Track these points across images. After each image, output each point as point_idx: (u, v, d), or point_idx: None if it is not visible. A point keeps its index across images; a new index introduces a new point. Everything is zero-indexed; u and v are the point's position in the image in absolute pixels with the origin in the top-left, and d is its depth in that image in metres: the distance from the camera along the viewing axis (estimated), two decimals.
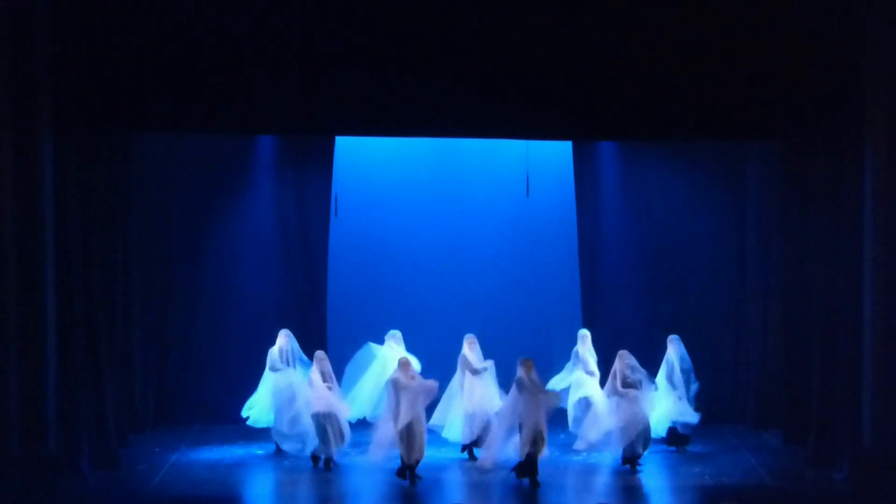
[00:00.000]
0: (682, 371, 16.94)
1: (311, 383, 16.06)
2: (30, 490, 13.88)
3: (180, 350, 18.81)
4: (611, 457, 16.35)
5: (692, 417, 16.90)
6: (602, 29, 14.98)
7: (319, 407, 15.90)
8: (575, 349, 17.16)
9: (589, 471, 16.14)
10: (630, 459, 16.03)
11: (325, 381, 16.05)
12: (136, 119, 15.23)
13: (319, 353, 16.34)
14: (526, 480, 15.22)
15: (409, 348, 17.11)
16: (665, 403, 16.82)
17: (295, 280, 18.86)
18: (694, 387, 17.00)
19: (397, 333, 17.14)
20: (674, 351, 17.04)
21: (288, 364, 16.85)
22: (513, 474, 15.31)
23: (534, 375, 15.37)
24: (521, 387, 15.29)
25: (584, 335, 17.32)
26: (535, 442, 15.23)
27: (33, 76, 14.12)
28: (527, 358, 15.49)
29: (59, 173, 14.67)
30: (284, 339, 16.98)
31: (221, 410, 17.94)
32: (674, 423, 16.98)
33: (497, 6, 14.91)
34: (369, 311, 19.01)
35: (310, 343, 17.55)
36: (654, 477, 15.90)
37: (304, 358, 16.83)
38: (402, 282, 19.56)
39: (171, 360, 18.79)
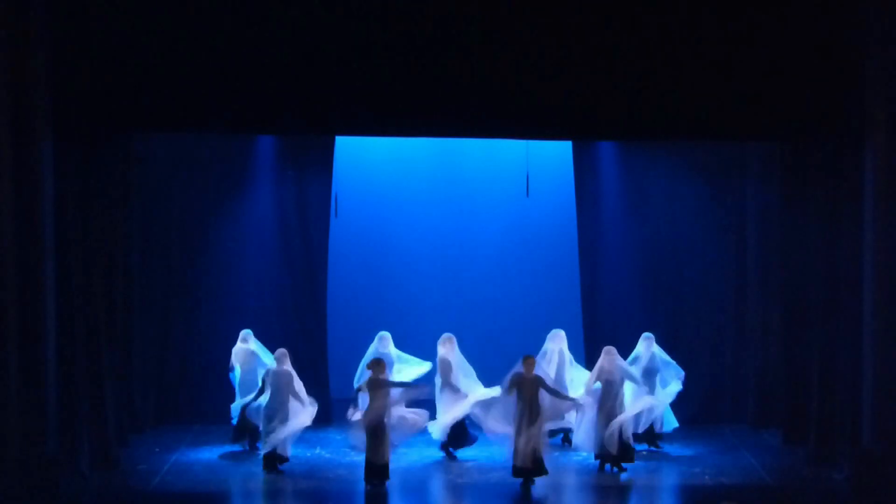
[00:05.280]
0: (648, 370, 16.82)
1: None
2: (30, 490, 13.88)
3: (180, 350, 18.81)
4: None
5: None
6: (602, 29, 14.97)
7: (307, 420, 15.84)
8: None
9: (588, 470, 16.15)
10: (604, 458, 15.92)
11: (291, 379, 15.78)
12: (136, 119, 15.22)
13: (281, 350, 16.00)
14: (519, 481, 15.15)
15: (408, 348, 17.19)
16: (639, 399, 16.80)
17: (295, 280, 18.85)
18: (673, 386, 16.94)
19: (386, 335, 17.15)
20: (643, 348, 16.94)
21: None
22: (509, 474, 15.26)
23: (533, 374, 15.23)
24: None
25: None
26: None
27: (33, 76, 14.11)
28: (528, 355, 15.36)
29: (58, 174, 14.66)
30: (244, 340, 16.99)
31: (221, 410, 17.90)
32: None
33: (497, 6, 14.91)
34: (369, 311, 19.02)
35: (310, 343, 17.50)
36: (653, 477, 15.90)
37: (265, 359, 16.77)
38: (402, 282, 19.57)
39: (171, 359, 18.79)
